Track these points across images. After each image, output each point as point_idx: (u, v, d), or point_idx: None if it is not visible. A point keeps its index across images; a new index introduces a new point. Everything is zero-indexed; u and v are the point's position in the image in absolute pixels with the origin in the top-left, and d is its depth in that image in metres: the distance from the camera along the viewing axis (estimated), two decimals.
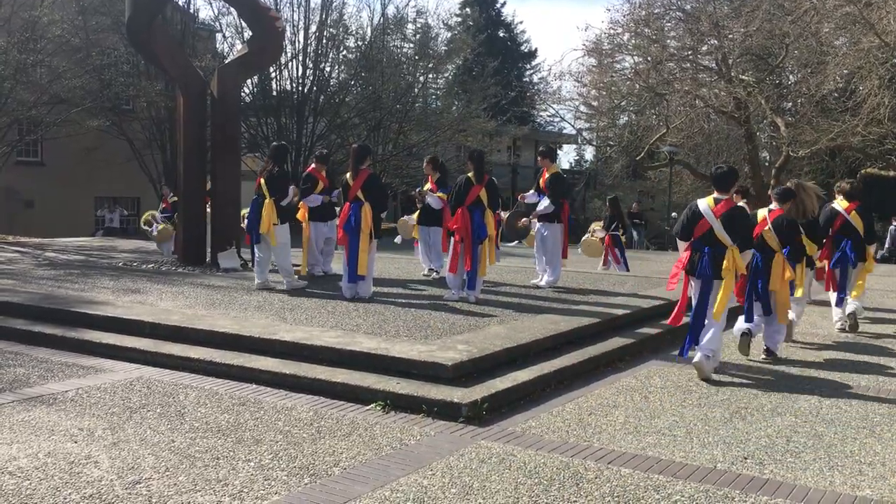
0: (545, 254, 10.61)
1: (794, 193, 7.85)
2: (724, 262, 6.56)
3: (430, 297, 9.28)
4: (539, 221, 10.51)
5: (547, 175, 10.49)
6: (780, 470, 4.51)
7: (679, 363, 7.18)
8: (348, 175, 9.27)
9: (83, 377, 6.35)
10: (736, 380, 6.67)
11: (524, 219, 10.94)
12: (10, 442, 4.71)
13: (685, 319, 7.12)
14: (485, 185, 9.00)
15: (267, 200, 9.48)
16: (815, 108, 26.82)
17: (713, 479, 4.33)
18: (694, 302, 6.81)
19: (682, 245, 6.90)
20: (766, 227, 7.54)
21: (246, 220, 9.87)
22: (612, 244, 14.08)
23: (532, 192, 10.85)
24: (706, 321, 6.67)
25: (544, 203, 10.32)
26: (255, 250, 9.84)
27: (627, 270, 13.81)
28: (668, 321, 7.28)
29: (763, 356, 7.47)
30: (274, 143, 10.72)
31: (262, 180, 9.58)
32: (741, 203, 7.70)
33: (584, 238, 14.51)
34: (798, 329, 8.63)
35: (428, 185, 11.17)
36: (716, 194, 6.80)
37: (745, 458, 4.69)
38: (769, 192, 15.09)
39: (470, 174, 9.05)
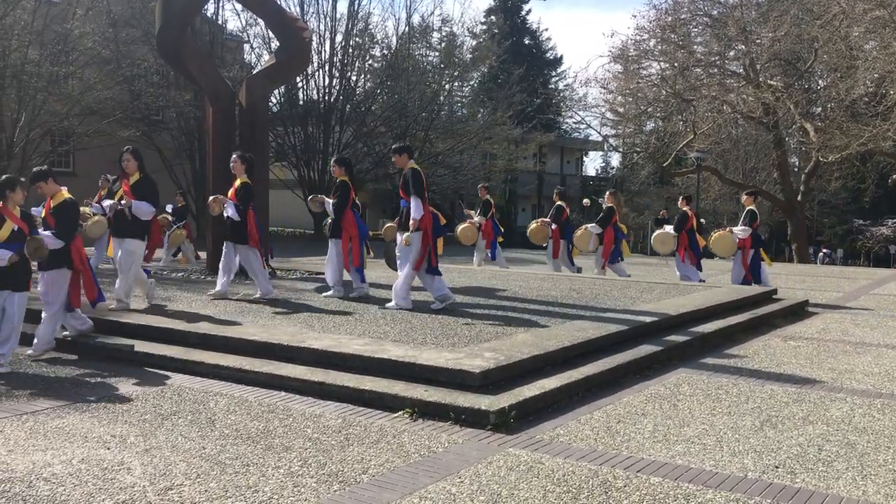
0: (404, 265, 8.99)
1: None
2: None
3: (457, 305, 9.28)
4: (409, 230, 8.80)
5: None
6: (812, 479, 4.46)
7: (707, 372, 7.17)
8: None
9: (115, 384, 6.44)
10: (766, 388, 6.61)
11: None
12: (45, 448, 4.79)
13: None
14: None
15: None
16: (845, 113, 26.55)
17: (744, 489, 4.29)
18: None
19: None
20: None
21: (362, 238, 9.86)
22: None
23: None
24: None
25: (415, 204, 8.77)
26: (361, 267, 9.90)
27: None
28: None
29: None
30: (344, 156, 10.54)
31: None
32: None
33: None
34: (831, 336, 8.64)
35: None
36: None
37: (777, 467, 4.65)
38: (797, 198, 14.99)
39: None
